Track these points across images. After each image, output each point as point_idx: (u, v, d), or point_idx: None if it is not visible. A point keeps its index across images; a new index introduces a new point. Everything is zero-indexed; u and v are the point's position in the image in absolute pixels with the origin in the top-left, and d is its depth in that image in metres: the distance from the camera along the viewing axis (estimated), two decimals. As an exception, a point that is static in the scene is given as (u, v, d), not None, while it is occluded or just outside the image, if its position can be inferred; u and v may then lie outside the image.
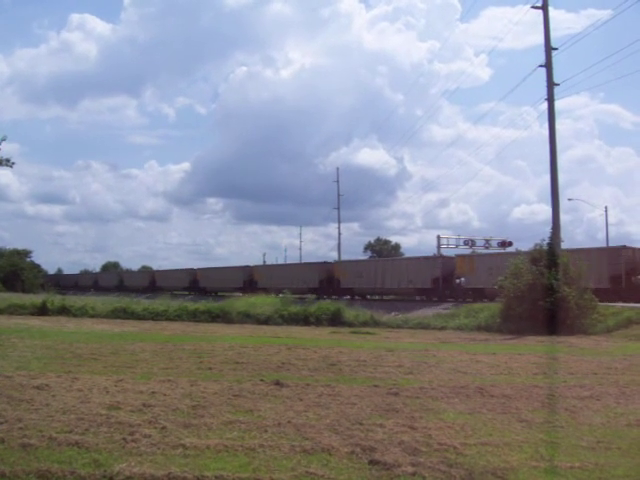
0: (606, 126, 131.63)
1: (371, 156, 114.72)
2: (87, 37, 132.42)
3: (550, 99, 27.18)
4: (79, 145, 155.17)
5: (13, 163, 19.45)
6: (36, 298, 33.76)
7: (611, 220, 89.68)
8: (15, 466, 5.56)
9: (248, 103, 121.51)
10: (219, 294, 60.09)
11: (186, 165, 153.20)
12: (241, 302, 34.29)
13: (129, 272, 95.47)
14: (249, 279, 60.25)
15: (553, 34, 27.79)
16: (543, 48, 27.54)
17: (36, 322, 24.06)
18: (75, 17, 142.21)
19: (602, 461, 6.25)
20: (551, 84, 27.15)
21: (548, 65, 27.32)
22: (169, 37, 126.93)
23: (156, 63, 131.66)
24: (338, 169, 73.18)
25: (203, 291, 65.10)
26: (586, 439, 7.09)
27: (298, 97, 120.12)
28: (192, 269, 73.17)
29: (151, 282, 76.06)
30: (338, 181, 71.08)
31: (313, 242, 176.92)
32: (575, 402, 9.35)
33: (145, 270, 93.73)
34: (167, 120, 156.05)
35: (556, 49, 27.60)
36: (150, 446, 6.32)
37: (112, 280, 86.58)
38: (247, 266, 63.76)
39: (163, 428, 7.04)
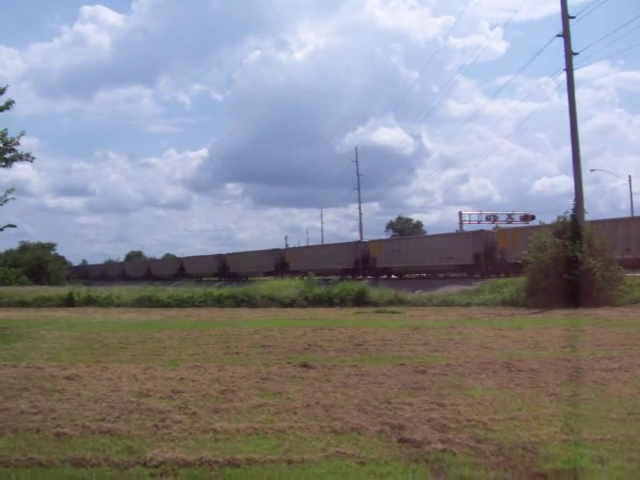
0: (627, 94, 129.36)
1: (388, 135, 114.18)
2: (99, 29, 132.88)
3: (569, 69, 26.63)
4: (97, 136, 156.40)
5: (33, 158, 19.59)
6: (62, 290, 34.24)
7: (635, 189, 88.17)
8: (51, 455, 5.65)
9: (263, 87, 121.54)
10: (203, 279, 66.75)
11: (204, 152, 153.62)
12: (265, 286, 34.55)
13: (128, 264, 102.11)
14: (222, 265, 68.60)
15: (570, 2, 27.22)
16: (560, 17, 26.96)
17: (63, 313, 24.45)
18: (87, 9, 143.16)
19: (633, 432, 6.19)
20: (569, 54, 26.59)
21: (566, 34, 26.75)
22: (181, 24, 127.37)
23: (169, 51, 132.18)
24: (357, 149, 73.20)
25: (188, 277, 70.26)
26: (616, 411, 7.03)
27: (313, 79, 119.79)
28: (179, 258, 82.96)
29: (147, 271, 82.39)
30: (357, 161, 70.97)
31: (334, 223, 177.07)
32: (603, 374, 9.27)
33: (142, 260, 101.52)
34: (183, 108, 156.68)
35: (573, 17, 26.93)
36: (181, 431, 6.39)
37: (116, 270, 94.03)
38: (220, 254, 71.31)
39: (193, 413, 7.12)
